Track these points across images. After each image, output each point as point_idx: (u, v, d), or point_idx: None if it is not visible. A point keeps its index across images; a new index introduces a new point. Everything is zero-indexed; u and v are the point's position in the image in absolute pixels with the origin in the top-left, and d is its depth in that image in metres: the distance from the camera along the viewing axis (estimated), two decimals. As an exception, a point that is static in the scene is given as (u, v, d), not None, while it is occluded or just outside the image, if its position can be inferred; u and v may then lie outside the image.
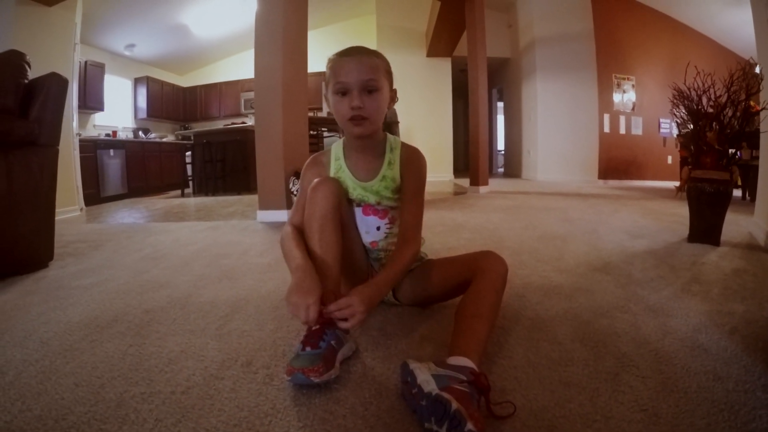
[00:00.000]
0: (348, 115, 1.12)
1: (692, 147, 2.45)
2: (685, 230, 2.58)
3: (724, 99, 2.30)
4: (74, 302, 1.57)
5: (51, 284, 1.85)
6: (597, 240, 2.43)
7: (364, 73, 1.10)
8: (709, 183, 2.31)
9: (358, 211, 1.28)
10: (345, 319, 0.96)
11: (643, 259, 1.99)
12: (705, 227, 2.36)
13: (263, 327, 1.26)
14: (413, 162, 1.25)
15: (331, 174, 1.28)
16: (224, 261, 2.11)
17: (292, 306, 0.95)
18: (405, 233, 1.19)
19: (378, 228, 1.28)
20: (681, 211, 3.64)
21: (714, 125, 2.32)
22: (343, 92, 1.12)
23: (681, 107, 2.50)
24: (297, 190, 3.18)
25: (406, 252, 1.15)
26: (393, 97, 1.23)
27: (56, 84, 2.26)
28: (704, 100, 2.39)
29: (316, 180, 1.16)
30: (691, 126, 2.47)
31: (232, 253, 2.31)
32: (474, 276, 1.10)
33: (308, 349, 0.91)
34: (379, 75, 1.13)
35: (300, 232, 1.18)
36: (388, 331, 1.20)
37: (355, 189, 1.26)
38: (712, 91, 2.35)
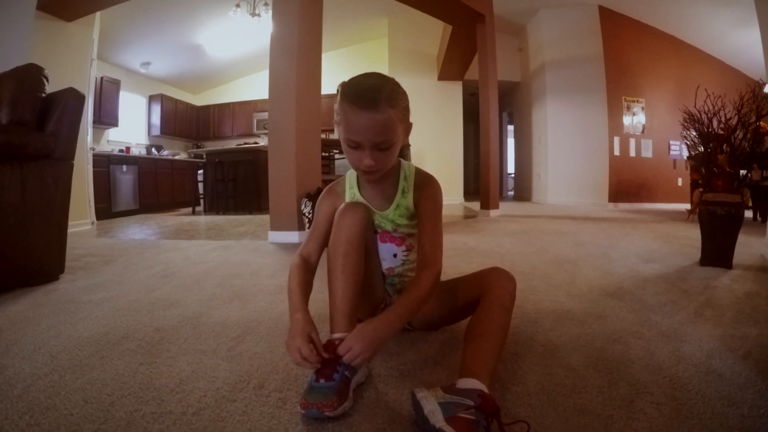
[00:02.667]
0: (359, 167, 1.09)
1: (703, 170, 2.45)
2: (696, 253, 2.56)
3: (734, 121, 2.31)
4: (84, 317, 1.57)
5: (61, 297, 1.86)
6: (608, 264, 2.41)
7: (377, 135, 1.02)
8: (720, 206, 2.30)
9: (375, 238, 1.26)
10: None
11: (656, 284, 1.97)
12: (717, 250, 2.35)
13: (275, 349, 1.25)
14: (427, 188, 1.21)
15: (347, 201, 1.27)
16: (235, 281, 2.11)
17: (288, 351, 0.95)
18: (424, 256, 1.13)
19: (395, 255, 1.26)
20: (692, 234, 3.62)
21: (725, 147, 2.32)
22: (354, 147, 1.06)
23: (692, 130, 2.51)
24: (309, 212, 3.20)
25: (426, 276, 1.08)
26: (408, 131, 1.15)
27: (73, 99, 2.30)
28: (714, 122, 2.39)
29: (344, 205, 1.15)
30: (702, 149, 2.47)
31: (243, 273, 2.31)
32: (482, 294, 1.09)
33: (322, 381, 0.90)
34: (392, 133, 1.04)
35: (307, 265, 1.17)
36: (401, 356, 1.19)
37: (373, 215, 1.24)
38: (722, 113, 2.36)
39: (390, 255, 1.26)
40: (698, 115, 2.42)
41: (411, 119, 1.14)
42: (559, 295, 1.79)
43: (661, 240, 3.35)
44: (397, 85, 1.08)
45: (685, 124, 2.51)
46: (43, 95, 2.22)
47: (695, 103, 2.47)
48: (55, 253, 2.24)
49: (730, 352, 1.18)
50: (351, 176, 1.28)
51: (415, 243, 1.26)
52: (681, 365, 1.11)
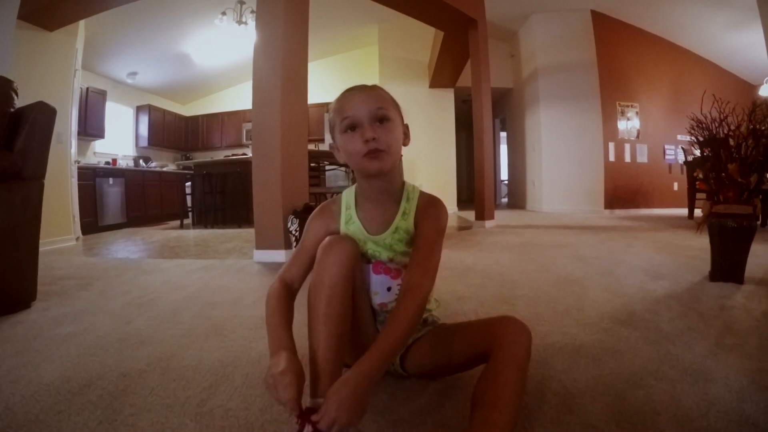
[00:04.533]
0: (362, 151, 1.00)
1: (712, 180, 2.32)
2: (703, 266, 2.47)
3: (744, 128, 2.19)
4: (48, 357, 1.43)
5: (28, 331, 1.72)
6: (616, 284, 2.27)
7: (372, 103, 1.01)
8: (732, 218, 2.18)
9: (367, 268, 1.12)
10: None
11: (668, 306, 1.84)
12: (728, 264, 2.23)
13: (251, 405, 1.08)
14: (431, 208, 1.10)
15: (342, 225, 1.13)
16: (214, 312, 1.94)
17: (274, 397, 0.82)
18: (408, 281, 0.99)
19: (389, 288, 1.11)
20: (694, 244, 3.53)
21: (734, 155, 2.20)
22: (352, 127, 1.01)
23: (699, 137, 2.39)
24: (296, 230, 3.04)
25: (405, 306, 0.93)
26: (406, 133, 1.11)
27: (43, 113, 2.16)
28: (722, 129, 2.28)
29: (329, 238, 1.01)
30: (710, 157, 2.35)
31: (224, 301, 2.13)
32: (492, 350, 0.92)
33: None
34: (387, 105, 1.03)
35: (289, 292, 1.05)
36: (393, 414, 1.03)
37: (366, 243, 1.11)
38: (731, 118, 2.24)
39: (383, 288, 1.11)
40: (707, 123, 2.30)
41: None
42: (568, 324, 1.64)
43: (665, 251, 3.23)
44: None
45: (693, 132, 2.38)
46: (12, 110, 2.08)
47: (701, 109, 2.35)
48: (26, 280, 2.09)
49: (762, 392, 1.06)
50: (348, 195, 1.16)
51: None
52: (711, 413, 0.98)
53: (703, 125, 2.31)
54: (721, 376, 1.16)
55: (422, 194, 1.14)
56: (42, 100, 2.19)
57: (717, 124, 2.28)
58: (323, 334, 0.91)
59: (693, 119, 2.34)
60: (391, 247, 1.10)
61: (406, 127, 1.11)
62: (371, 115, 1.00)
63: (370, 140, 0.98)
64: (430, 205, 1.11)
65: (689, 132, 2.41)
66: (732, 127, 2.24)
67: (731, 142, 2.23)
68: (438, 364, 1.07)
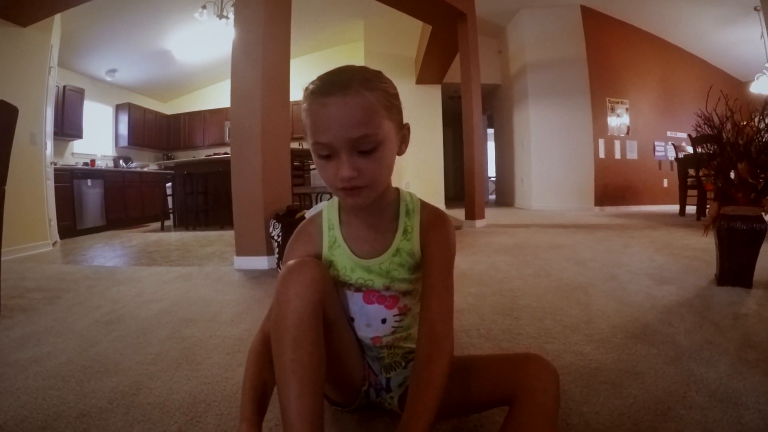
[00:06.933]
0: (337, 185, 0.77)
1: (719, 180, 2.21)
2: (707, 267, 2.41)
3: (755, 125, 2.08)
4: (6, 389, 1.27)
5: (-12, 355, 1.54)
6: (621, 290, 2.15)
7: (352, 128, 0.73)
8: (741, 220, 2.07)
9: (357, 297, 0.92)
10: None
11: (681, 316, 1.72)
12: (736, 268, 2.13)
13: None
14: (438, 229, 0.89)
15: (325, 250, 0.92)
16: (188, 331, 1.75)
17: None
18: (432, 330, 0.80)
19: (384, 320, 0.93)
20: (693, 243, 3.46)
21: (743, 154, 2.09)
22: (327, 156, 0.77)
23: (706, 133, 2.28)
24: (278, 235, 2.87)
25: (438, 366, 0.76)
26: (405, 137, 0.85)
27: (3, 114, 1.98)
28: (729, 125, 2.17)
29: (287, 265, 0.80)
30: (717, 155, 2.24)
31: (200, 318, 1.94)
32: (516, 396, 0.75)
33: None
34: (376, 122, 0.75)
35: (269, 347, 0.83)
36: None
37: (355, 270, 0.90)
38: (738, 115, 2.14)
39: (377, 320, 0.93)
40: (716, 121, 2.18)
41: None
42: (579, 341, 1.49)
43: (665, 252, 3.13)
44: (380, 72, 0.81)
45: (699, 130, 2.26)
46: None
47: (707, 107, 2.24)
48: (-14, 297, 1.93)
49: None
50: (329, 211, 0.95)
51: (412, 305, 0.94)
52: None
53: (711, 123, 2.19)
54: (752, 400, 1.06)
55: (424, 205, 0.93)
56: (2, 99, 2.01)
57: (725, 120, 2.17)
58: (294, 387, 0.72)
59: (700, 116, 2.22)
60: (388, 274, 0.90)
61: (406, 128, 0.86)
62: (351, 144, 0.74)
63: (346, 179, 0.75)
64: (437, 222, 0.90)
65: (696, 129, 2.29)
66: (740, 125, 2.13)
67: (740, 140, 2.12)
68: (448, 403, 0.86)
